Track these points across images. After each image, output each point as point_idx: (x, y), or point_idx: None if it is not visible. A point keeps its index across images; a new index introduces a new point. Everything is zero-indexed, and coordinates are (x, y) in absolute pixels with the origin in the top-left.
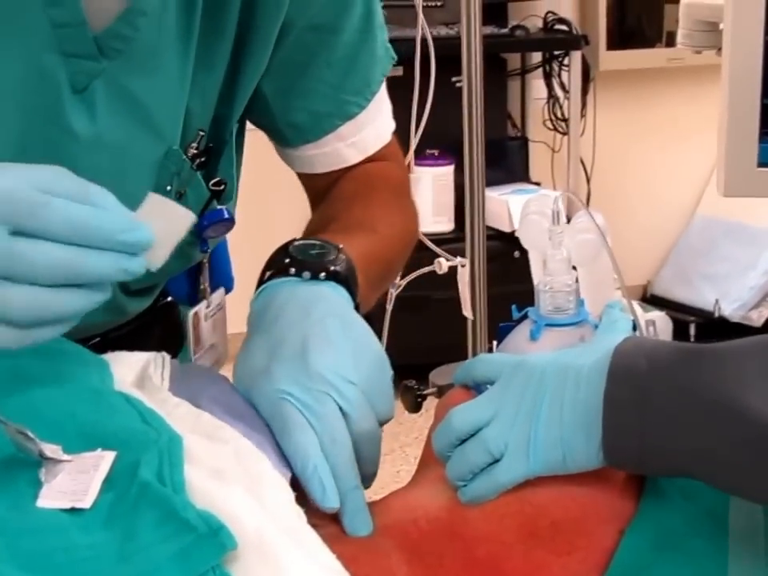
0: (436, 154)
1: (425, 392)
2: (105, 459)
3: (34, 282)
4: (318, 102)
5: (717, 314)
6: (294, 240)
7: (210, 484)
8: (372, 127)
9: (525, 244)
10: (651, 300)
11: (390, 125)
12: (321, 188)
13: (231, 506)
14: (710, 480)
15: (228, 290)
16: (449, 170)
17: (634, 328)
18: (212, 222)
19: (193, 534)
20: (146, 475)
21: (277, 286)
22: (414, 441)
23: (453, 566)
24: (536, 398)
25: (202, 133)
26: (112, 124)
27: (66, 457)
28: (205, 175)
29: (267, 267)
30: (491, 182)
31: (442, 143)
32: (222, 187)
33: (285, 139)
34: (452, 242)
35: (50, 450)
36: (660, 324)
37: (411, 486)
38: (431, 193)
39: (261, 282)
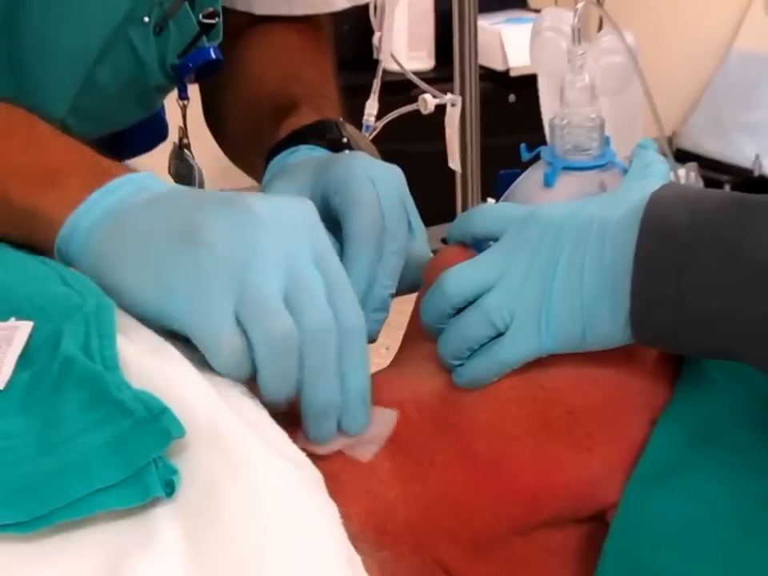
0: None
1: None
2: (19, 331)
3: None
4: None
5: (757, 172)
6: (342, 121)
7: (150, 360)
8: None
9: (537, 68)
10: (678, 156)
11: None
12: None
13: (177, 386)
14: (760, 362)
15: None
16: None
17: None
18: (197, 63)
19: (129, 419)
20: (70, 348)
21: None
22: (386, 328)
23: (447, 465)
24: (550, 257)
25: None
26: None
27: None
28: (192, 6)
29: (318, 132)
30: (480, 7)
31: None
32: (215, 20)
33: None
34: (433, 82)
35: None
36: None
37: (394, 367)
38: (406, 21)
39: (295, 140)
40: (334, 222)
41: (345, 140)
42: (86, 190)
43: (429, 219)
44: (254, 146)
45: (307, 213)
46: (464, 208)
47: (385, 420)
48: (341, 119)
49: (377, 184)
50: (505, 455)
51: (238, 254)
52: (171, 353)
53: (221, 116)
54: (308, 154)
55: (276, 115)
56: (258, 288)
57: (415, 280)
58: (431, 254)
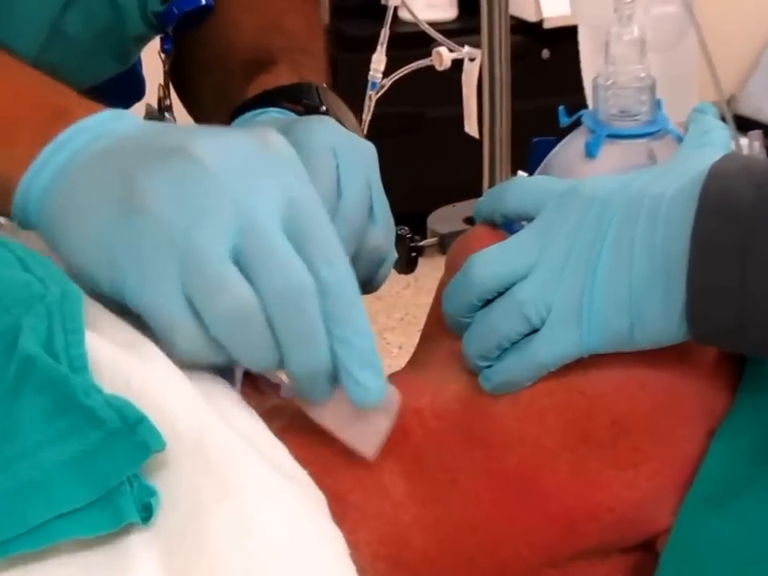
0: None
1: (421, 243)
2: None
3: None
4: None
5: None
6: (323, 86)
7: (125, 359)
8: None
9: (577, 19)
10: (735, 122)
11: None
12: None
13: (156, 389)
14: None
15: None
16: None
17: None
18: (183, 9)
19: (99, 430)
20: (30, 346)
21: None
22: (399, 323)
23: (471, 484)
24: (594, 240)
25: None
26: None
27: None
28: None
29: (294, 96)
30: None
31: None
32: None
33: None
34: (455, 34)
35: None
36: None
37: (411, 368)
38: None
39: (265, 101)
40: None
41: (323, 108)
42: (39, 144)
43: (451, 195)
44: (220, 104)
45: (273, 149)
46: (491, 182)
47: (389, 404)
48: (323, 84)
49: (339, 156)
50: (539, 473)
51: (180, 216)
52: (150, 349)
53: (188, 72)
54: (277, 118)
55: (249, 71)
56: (200, 254)
57: (368, 277)
58: (395, 253)
